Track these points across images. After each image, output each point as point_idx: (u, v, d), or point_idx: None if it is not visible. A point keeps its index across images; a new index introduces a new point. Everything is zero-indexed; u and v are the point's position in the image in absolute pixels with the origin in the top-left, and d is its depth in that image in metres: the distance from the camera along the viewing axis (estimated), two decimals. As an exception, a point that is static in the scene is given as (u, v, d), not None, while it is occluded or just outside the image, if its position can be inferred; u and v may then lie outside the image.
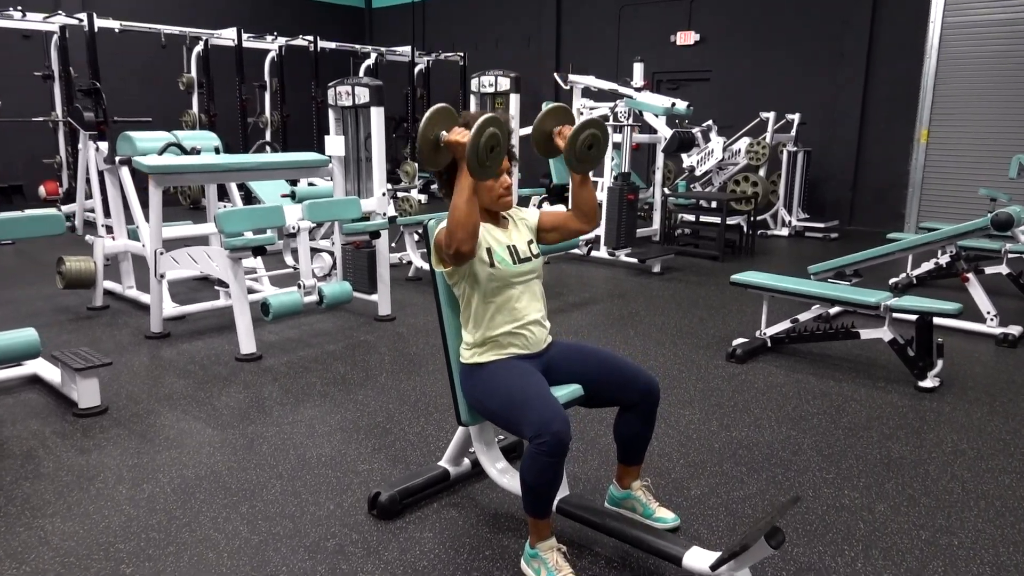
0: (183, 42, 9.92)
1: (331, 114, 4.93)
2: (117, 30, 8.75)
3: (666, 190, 9.09)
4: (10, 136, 9.87)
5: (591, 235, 6.54)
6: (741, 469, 2.87)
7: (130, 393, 3.60)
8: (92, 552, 2.28)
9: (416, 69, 12.73)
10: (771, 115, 8.89)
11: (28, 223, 3.29)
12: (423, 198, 11.46)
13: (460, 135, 2.06)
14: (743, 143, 8.67)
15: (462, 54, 12.18)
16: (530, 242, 2.37)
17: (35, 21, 8.09)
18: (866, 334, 3.95)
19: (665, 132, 7.42)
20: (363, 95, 4.60)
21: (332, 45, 10.85)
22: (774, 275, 4.42)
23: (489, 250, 2.25)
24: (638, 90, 6.53)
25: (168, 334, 4.57)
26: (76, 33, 8.45)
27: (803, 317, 4.26)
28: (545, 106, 2.41)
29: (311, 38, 10.41)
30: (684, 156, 8.65)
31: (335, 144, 4.86)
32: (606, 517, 2.28)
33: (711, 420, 3.35)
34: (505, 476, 2.46)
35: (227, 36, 9.66)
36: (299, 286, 4.32)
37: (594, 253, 6.95)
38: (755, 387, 3.78)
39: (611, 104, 6.83)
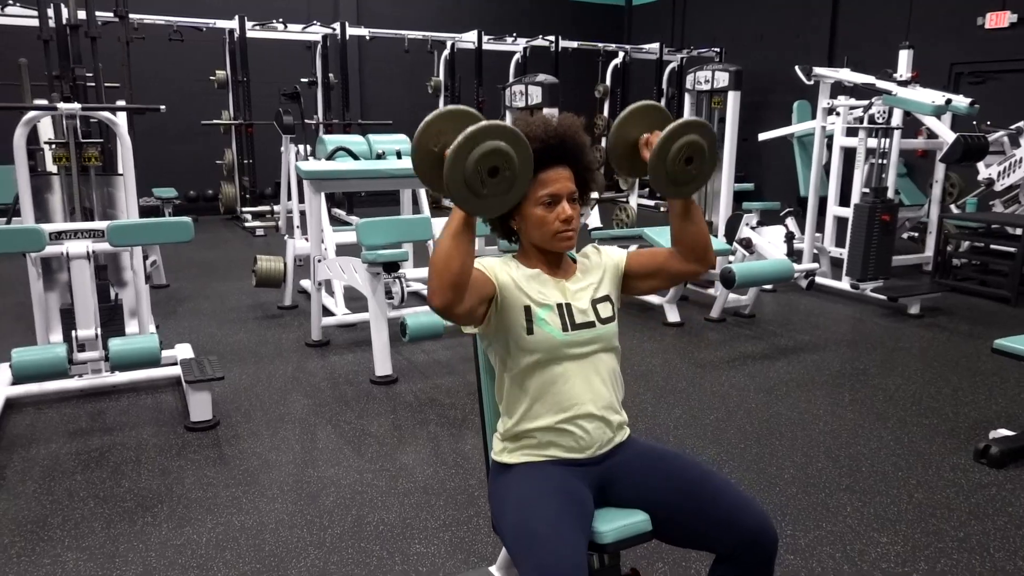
0: (430, 47, 10.18)
1: (507, 116, 4.47)
2: (367, 37, 9.19)
3: (954, 208, 7.38)
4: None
5: (811, 263, 5.33)
6: (941, 661, 1.87)
7: (248, 409, 3.46)
8: (81, 610, 2.03)
9: (669, 68, 11.95)
10: (1114, 114, 6.74)
11: (158, 229, 3.26)
12: (635, 205, 10.61)
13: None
14: (1068, 151, 6.67)
15: (717, 50, 11.12)
16: (600, 300, 1.65)
17: (295, 32, 8.75)
18: None
19: (947, 136, 5.88)
20: (536, 95, 4.08)
21: (574, 44, 10.48)
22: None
23: (528, 309, 1.59)
24: (903, 83, 5.18)
25: (327, 342, 4.46)
26: (352, 43, 8.96)
27: (1110, 411, 2.90)
28: (633, 107, 1.66)
29: (552, 38, 10.13)
30: (981, 167, 6.89)
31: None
32: None
33: (917, 558, 2.31)
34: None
35: (468, 39, 9.73)
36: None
37: (834, 284, 5.72)
38: (1009, 511, 2.60)
39: (866, 102, 5.54)
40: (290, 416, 3.38)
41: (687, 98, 5.28)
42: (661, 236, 4.85)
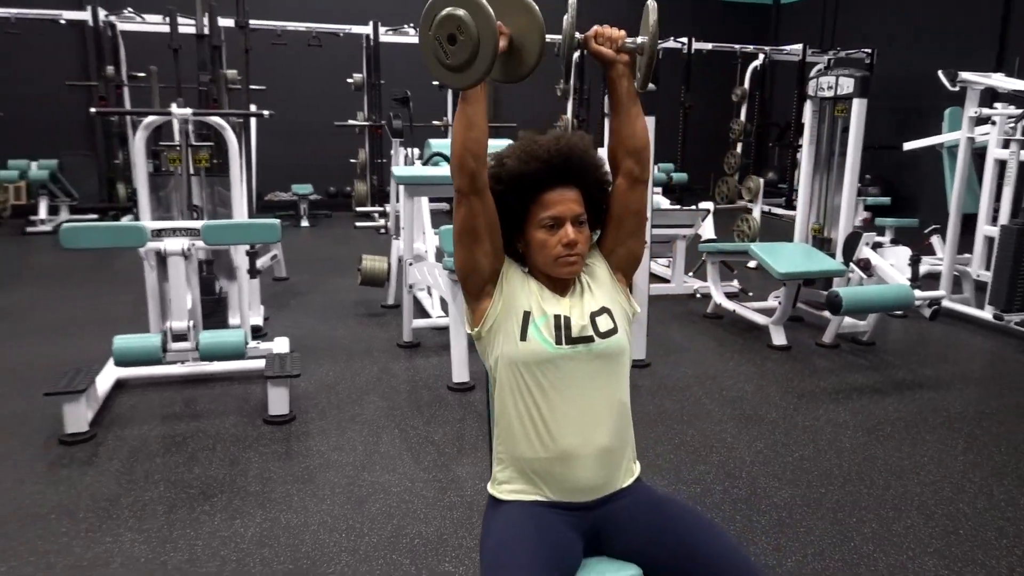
0: (557, 49, 10.14)
1: (606, 122, 4.34)
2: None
3: None
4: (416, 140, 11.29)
5: (938, 291, 4.71)
6: None
7: (324, 406, 3.56)
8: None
9: (815, 69, 11.25)
10: None
11: (248, 229, 3.42)
12: (759, 215, 10.04)
13: None
14: None
15: (868, 50, 10.33)
16: (599, 312, 1.53)
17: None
18: None
19: None
20: (632, 102, 3.91)
21: (708, 46, 10.08)
22: None
23: (527, 315, 1.51)
24: (1064, 91, 4.54)
25: (418, 344, 4.53)
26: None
27: None
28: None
29: (683, 40, 9.79)
30: None
31: (605, 158, 4.26)
32: None
33: (1002, 647, 2.00)
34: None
35: (598, 42, 9.60)
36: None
37: (975, 313, 5.13)
38: None
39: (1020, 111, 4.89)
40: (361, 417, 3.46)
41: (808, 105, 4.91)
42: (770, 254, 4.54)
